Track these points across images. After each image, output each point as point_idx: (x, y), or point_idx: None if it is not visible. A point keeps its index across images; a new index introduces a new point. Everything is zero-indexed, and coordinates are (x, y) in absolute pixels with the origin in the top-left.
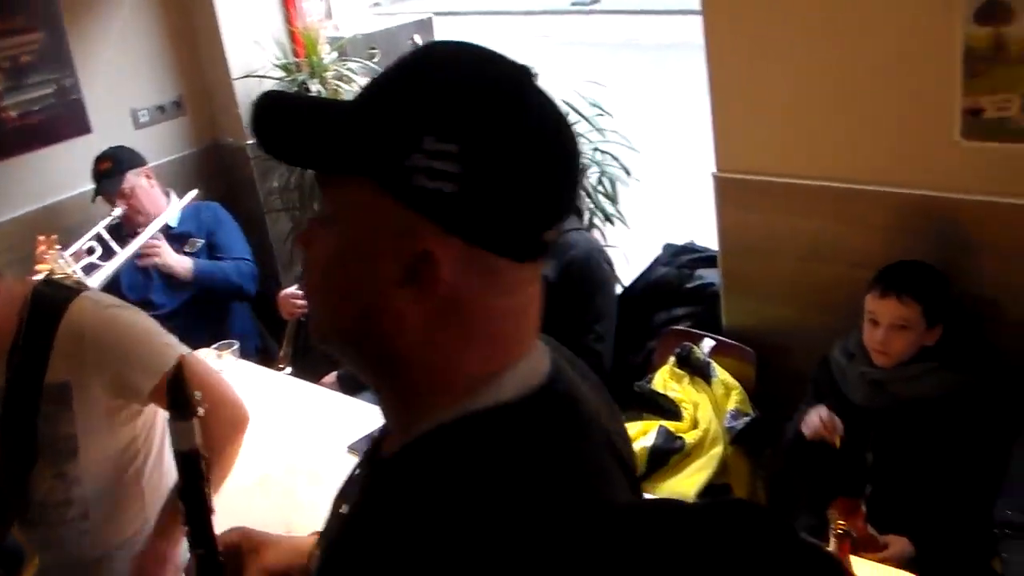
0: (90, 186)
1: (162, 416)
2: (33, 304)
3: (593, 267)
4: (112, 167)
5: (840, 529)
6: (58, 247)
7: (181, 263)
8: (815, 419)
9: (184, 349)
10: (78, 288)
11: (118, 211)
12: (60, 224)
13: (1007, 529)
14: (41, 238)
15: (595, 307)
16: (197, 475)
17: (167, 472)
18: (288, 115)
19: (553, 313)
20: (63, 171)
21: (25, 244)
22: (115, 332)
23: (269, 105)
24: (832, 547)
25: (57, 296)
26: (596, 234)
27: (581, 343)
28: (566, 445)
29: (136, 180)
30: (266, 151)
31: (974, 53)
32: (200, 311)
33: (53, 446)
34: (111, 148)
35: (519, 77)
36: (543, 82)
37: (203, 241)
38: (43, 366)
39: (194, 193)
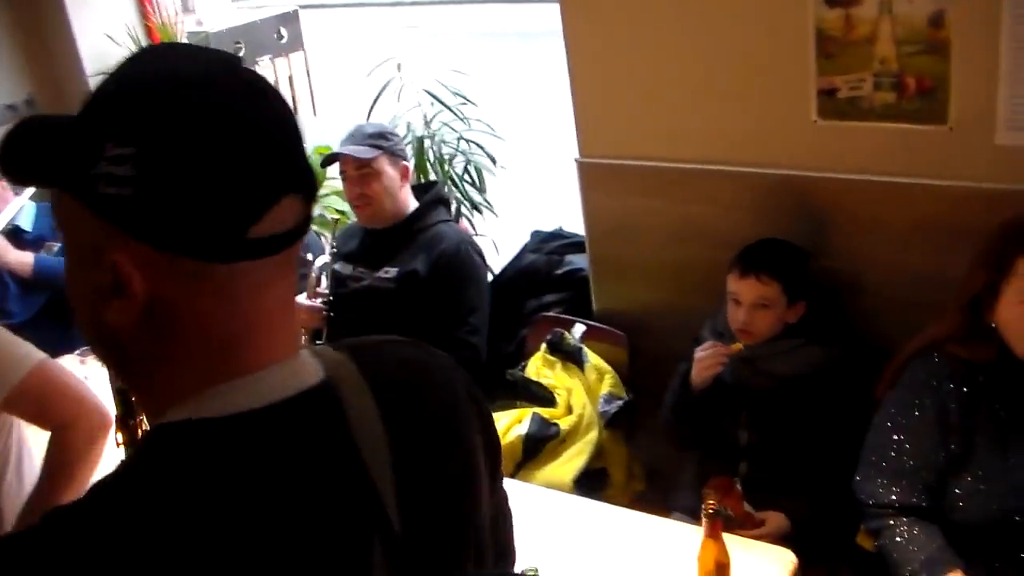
0: None
1: (18, 425)
2: None
3: (463, 259)
4: None
5: (711, 509)
6: None
7: (19, 259)
8: (700, 356)
9: (40, 356)
10: None
11: None
12: None
13: (873, 507)
14: None
15: (467, 299)
16: None
17: (26, 480)
18: (17, 134)
19: (425, 306)
20: None
21: None
22: None
23: (15, 129)
24: (704, 527)
25: None
26: (464, 224)
27: (455, 336)
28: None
29: None
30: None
31: (826, 35)
32: (59, 316)
33: None
34: None
35: (213, 70)
36: (258, 71)
37: (59, 245)
38: None
39: (30, 191)
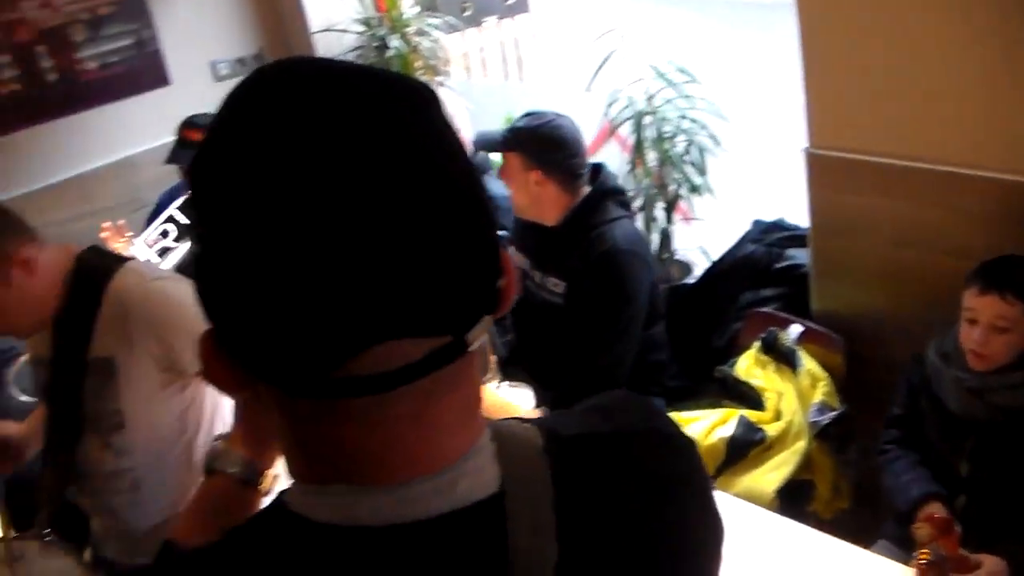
0: (169, 139)
1: (212, 389)
2: (76, 274)
3: (612, 271)
4: (199, 140)
5: (924, 559)
6: (130, 234)
7: None
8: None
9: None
10: (123, 259)
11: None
12: (138, 178)
13: None
14: (106, 225)
15: (616, 322)
16: None
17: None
18: None
19: (573, 322)
20: (142, 123)
21: (103, 196)
22: (161, 306)
23: None
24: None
25: (101, 267)
26: (682, 207)
27: (596, 364)
28: None
29: None
30: None
31: None
32: None
33: (98, 419)
34: (209, 119)
35: (319, 150)
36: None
37: None
38: (87, 340)
39: None
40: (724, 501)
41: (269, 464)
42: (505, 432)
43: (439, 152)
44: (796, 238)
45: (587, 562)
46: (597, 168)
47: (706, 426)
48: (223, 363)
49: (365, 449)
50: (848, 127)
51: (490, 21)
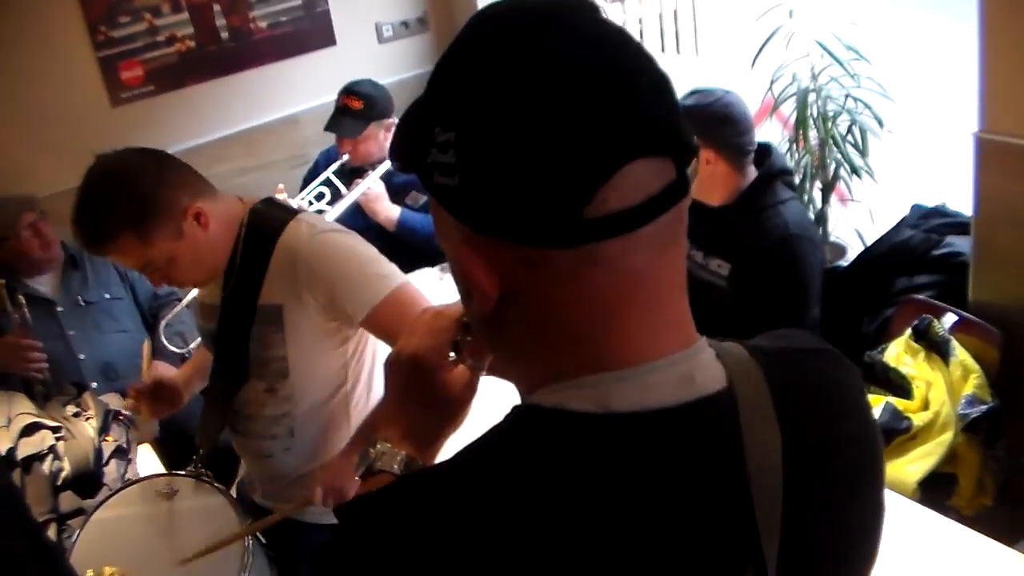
0: (332, 97)
1: (373, 344)
2: (250, 224)
3: (783, 258)
4: (362, 110)
5: None
6: (284, 195)
7: (388, 214)
8: None
9: (402, 278)
10: (295, 210)
11: (345, 157)
12: (302, 135)
13: None
14: (280, 186)
15: (788, 309)
16: None
17: (375, 400)
18: (402, 119)
19: (741, 307)
20: (307, 82)
21: (268, 151)
22: (329, 257)
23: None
24: None
25: (274, 217)
26: (840, 188)
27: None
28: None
29: (376, 131)
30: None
31: None
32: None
33: (265, 365)
34: (369, 86)
35: (541, 22)
36: (606, 14)
37: (425, 198)
38: (257, 288)
39: None
40: None
41: (430, 462)
42: (714, 342)
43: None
44: (957, 225)
45: (803, 451)
46: (765, 148)
47: None
48: (479, 259)
49: (615, 311)
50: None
51: None
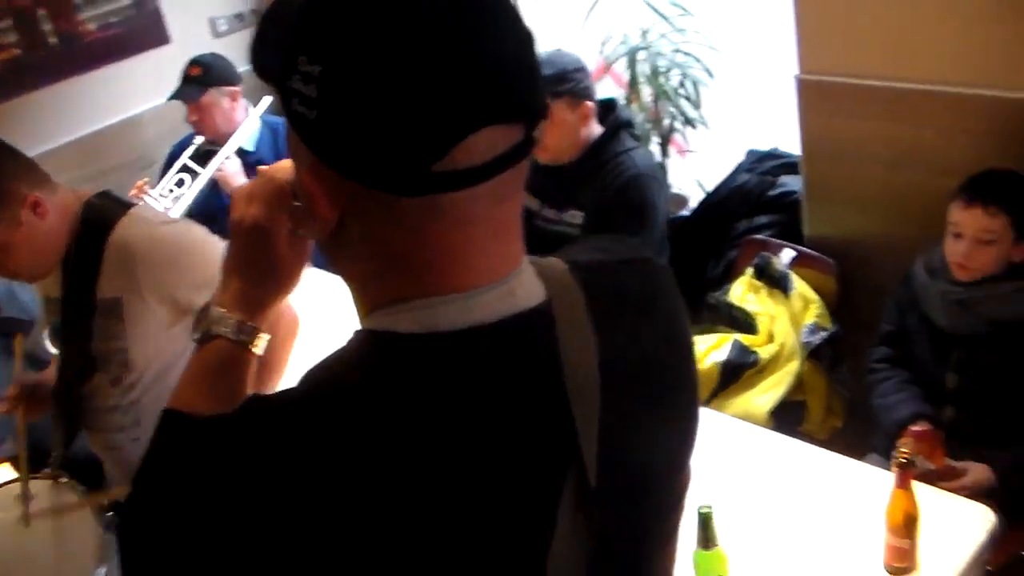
0: (170, 95)
1: None
2: (84, 218)
3: (632, 196)
4: (200, 75)
5: (903, 458)
6: (147, 188)
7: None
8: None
9: None
10: (130, 204)
11: (199, 140)
12: (142, 137)
13: None
14: (140, 183)
15: (631, 240)
16: None
17: None
18: (265, 19)
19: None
20: (143, 82)
21: (106, 157)
22: (165, 249)
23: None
24: (894, 477)
25: (107, 211)
26: (677, 140)
27: None
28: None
29: (217, 98)
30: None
31: None
32: None
33: (107, 357)
34: (210, 56)
35: None
36: None
37: None
38: (93, 282)
39: (267, 101)
40: (718, 421)
41: (262, 324)
42: (536, 259)
43: None
44: (789, 166)
45: (619, 358)
46: (609, 103)
47: (700, 351)
48: (323, 188)
49: (449, 251)
50: (839, 52)
51: None
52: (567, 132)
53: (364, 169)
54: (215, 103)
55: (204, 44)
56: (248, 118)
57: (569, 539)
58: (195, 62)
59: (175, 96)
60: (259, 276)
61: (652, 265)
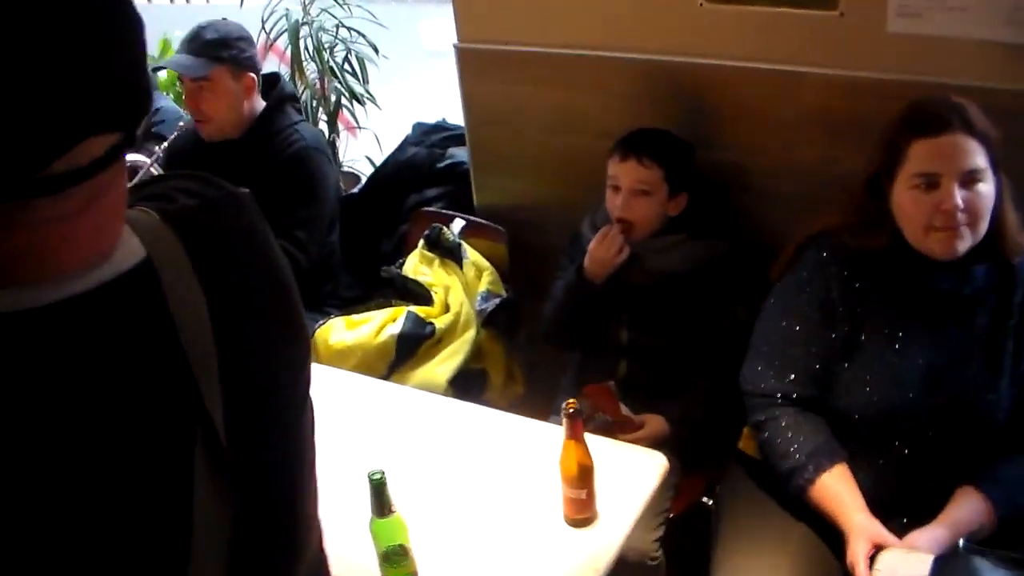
0: None
1: None
2: None
3: (300, 168)
4: None
5: (571, 408)
6: None
7: None
8: (595, 244)
9: None
10: None
11: None
12: None
13: (758, 397)
14: None
15: (298, 212)
16: None
17: None
18: None
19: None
20: None
21: None
22: None
23: None
24: (564, 428)
25: None
26: (346, 117)
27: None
28: None
29: None
30: None
31: None
32: None
33: None
34: None
35: None
36: None
37: None
38: None
39: None
40: (397, 393)
41: None
42: (130, 213)
43: None
44: (457, 137)
45: (228, 304)
46: (273, 77)
47: (375, 326)
48: None
49: (41, 247)
50: (493, 20)
51: None
52: (230, 103)
53: None
54: None
55: None
56: None
57: (209, 506)
58: None
59: None
60: None
61: (240, 200)
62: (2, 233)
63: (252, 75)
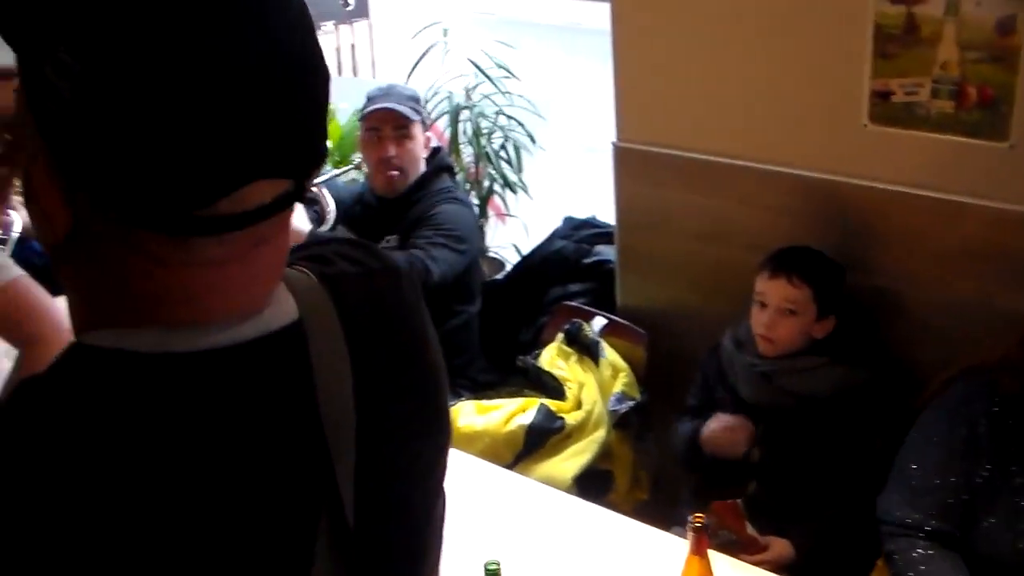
0: None
1: None
2: None
3: (452, 210)
4: None
5: (697, 523)
6: None
7: None
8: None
9: (15, 272)
10: None
11: None
12: None
13: (892, 526)
14: None
15: (438, 238)
16: None
17: None
18: None
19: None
20: None
21: None
22: None
23: None
24: (689, 543)
25: None
26: (496, 203)
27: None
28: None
29: None
30: None
31: (885, 32)
32: None
33: None
34: None
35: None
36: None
37: None
38: None
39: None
40: (522, 485)
41: None
42: (289, 271)
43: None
44: (605, 235)
45: (375, 375)
46: (435, 149)
47: (505, 414)
48: (58, 195)
49: (191, 290)
50: (655, 122)
51: (328, 26)
52: (419, 156)
53: (114, 201)
54: None
55: None
56: None
57: None
58: None
59: None
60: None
61: (400, 275)
62: (154, 270)
63: (429, 136)
